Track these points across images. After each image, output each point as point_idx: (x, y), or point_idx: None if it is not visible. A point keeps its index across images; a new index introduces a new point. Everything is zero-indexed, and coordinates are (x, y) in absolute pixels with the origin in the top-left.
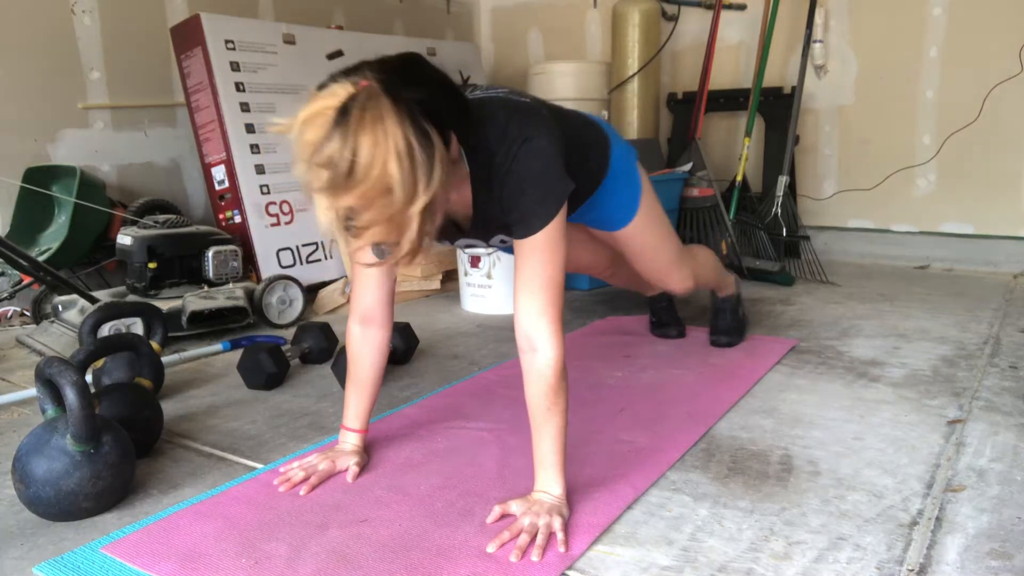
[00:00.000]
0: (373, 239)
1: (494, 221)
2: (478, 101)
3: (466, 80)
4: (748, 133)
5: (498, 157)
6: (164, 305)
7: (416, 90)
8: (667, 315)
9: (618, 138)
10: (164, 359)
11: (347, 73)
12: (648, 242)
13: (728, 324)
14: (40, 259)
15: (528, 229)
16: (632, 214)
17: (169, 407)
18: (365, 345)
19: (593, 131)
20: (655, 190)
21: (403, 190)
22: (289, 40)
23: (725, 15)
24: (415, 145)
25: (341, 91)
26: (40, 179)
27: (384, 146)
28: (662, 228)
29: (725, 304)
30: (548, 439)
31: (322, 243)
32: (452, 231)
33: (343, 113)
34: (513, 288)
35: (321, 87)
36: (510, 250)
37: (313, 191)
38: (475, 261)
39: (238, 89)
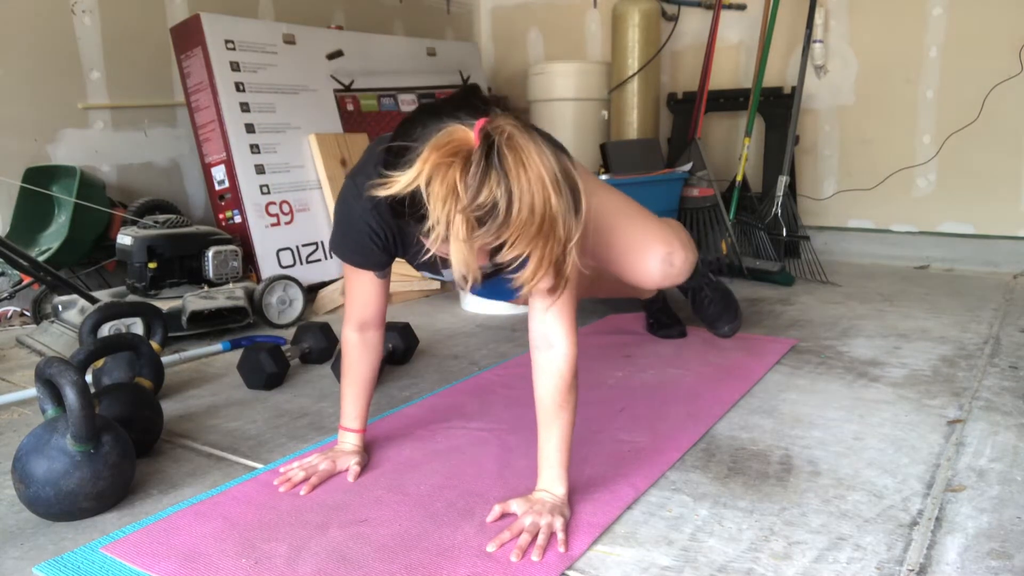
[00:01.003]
0: (540, 276)
1: None
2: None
3: (466, 80)
4: (748, 133)
5: None
6: (164, 305)
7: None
8: (665, 315)
9: None
10: (164, 359)
11: (439, 116)
12: (606, 221)
13: (714, 306)
14: (40, 259)
15: None
16: None
17: (169, 407)
18: (362, 348)
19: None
20: (653, 192)
21: (565, 221)
22: (289, 40)
23: (725, 15)
24: (560, 174)
25: (463, 134)
26: (40, 179)
27: (540, 181)
28: (620, 205)
29: (691, 283)
30: (555, 438)
31: (322, 243)
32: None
33: (488, 153)
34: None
35: (426, 135)
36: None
37: (468, 240)
38: None
39: (238, 89)
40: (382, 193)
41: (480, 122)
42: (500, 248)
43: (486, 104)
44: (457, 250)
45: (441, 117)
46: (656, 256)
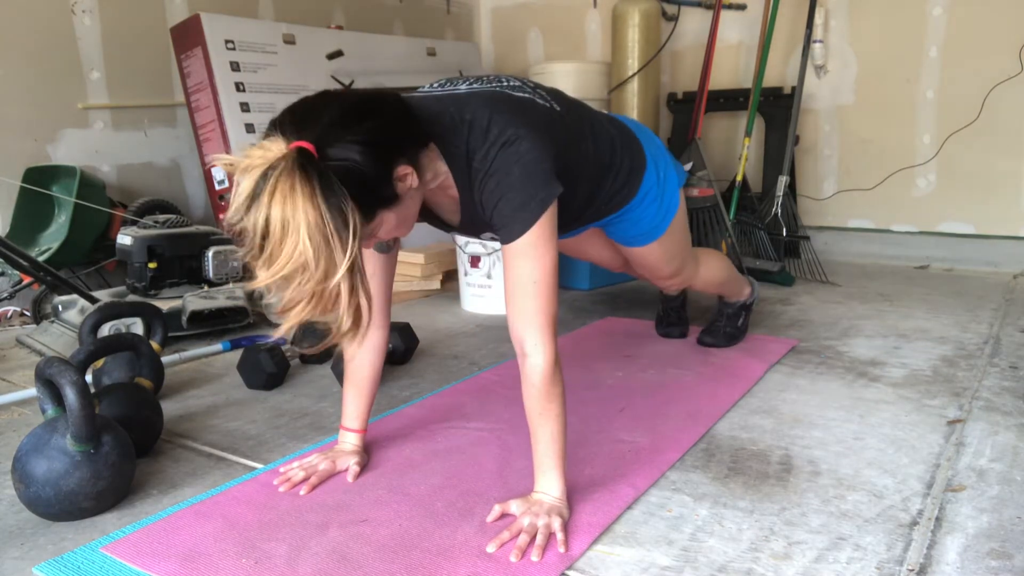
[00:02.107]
0: (300, 317)
1: (479, 220)
2: (462, 98)
3: None
4: (748, 133)
5: (476, 161)
6: (164, 305)
7: (345, 146)
8: (676, 315)
9: (663, 162)
10: (164, 359)
11: (294, 123)
12: (657, 257)
13: (719, 327)
14: (40, 259)
15: (510, 234)
16: (651, 239)
17: (169, 407)
18: (363, 347)
19: (625, 154)
20: None
21: (318, 267)
22: (289, 40)
23: (725, 15)
24: (321, 225)
25: (274, 149)
26: (40, 179)
27: (293, 223)
28: (676, 247)
29: (725, 308)
30: (544, 442)
31: None
32: (442, 225)
33: (262, 179)
34: (504, 292)
35: (267, 134)
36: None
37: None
38: (475, 261)
39: (238, 89)
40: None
41: (291, 145)
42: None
43: (344, 117)
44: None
45: (290, 128)
46: (666, 284)
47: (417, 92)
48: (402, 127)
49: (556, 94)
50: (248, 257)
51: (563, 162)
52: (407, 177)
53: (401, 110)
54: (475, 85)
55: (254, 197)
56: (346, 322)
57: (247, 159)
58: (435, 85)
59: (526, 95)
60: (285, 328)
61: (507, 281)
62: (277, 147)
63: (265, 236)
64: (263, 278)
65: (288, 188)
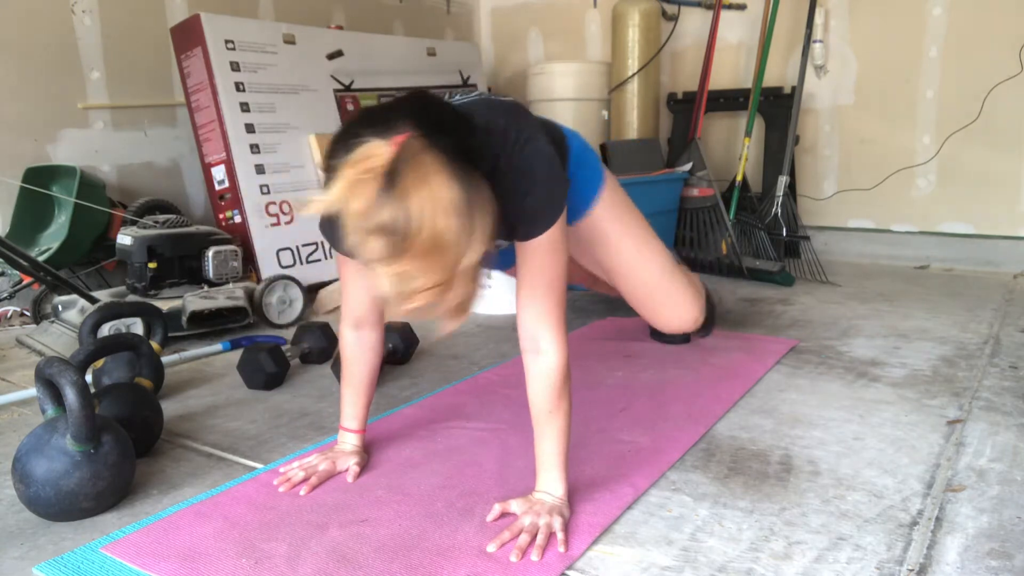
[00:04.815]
0: (428, 300)
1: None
2: (465, 106)
3: (465, 81)
4: (748, 133)
5: (502, 161)
6: (164, 305)
7: (447, 134)
8: None
9: (572, 132)
10: (164, 359)
11: (373, 126)
12: (622, 241)
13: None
14: (40, 259)
15: (531, 231)
16: (594, 192)
17: (169, 407)
18: (359, 348)
19: (555, 127)
20: (653, 192)
21: (458, 246)
22: (289, 40)
23: (725, 15)
24: (463, 197)
25: (378, 151)
26: (40, 179)
27: (436, 204)
28: (638, 229)
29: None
30: (550, 440)
31: (322, 243)
32: None
33: (390, 176)
34: (516, 290)
35: (348, 148)
36: (501, 264)
37: (371, 262)
38: None
39: (238, 89)
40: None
41: (397, 139)
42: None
43: (426, 111)
44: (371, 269)
45: (361, 132)
46: (684, 320)
47: None
48: (463, 117)
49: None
50: (387, 251)
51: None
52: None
53: (451, 109)
54: (462, 98)
55: (387, 190)
56: (455, 302)
57: (351, 169)
58: None
59: (509, 98)
60: (414, 308)
61: (524, 278)
62: (382, 146)
63: (407, 226)
64: (406, 264)
65: (421, 174)
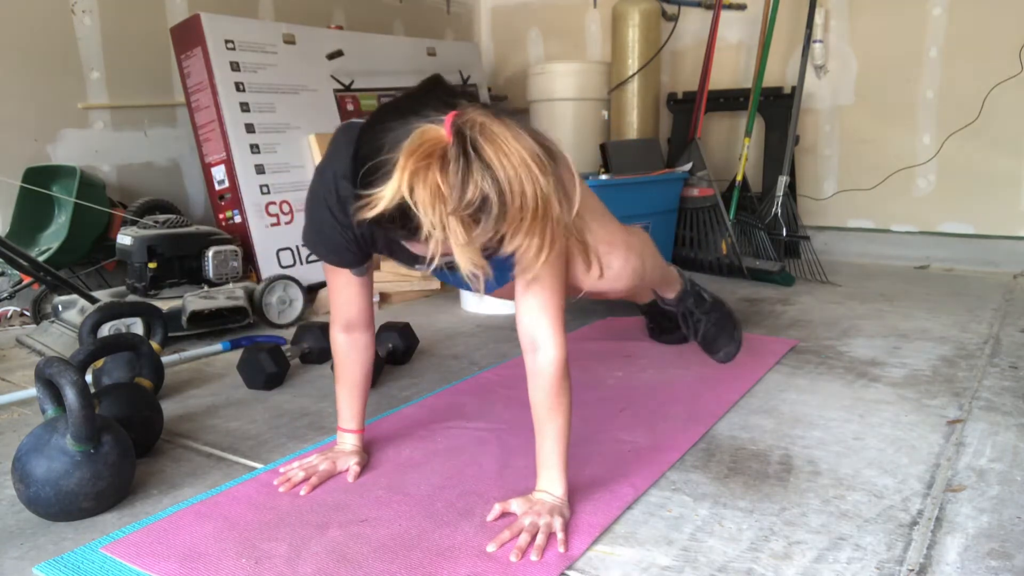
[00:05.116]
0: (544, 257)
1: None
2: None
3: (466, 80)
4: (748, 133)
5: None
6: (164, 305)
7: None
8: (667, 320)
9: None
10: (164, 359)
11: (405, 115)
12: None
13: (710, 327)
14: (40, 259)
15: None
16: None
17: (169, 407)
18: (351, 350)
19: None
20: (653, 192)
21: (557, 198)
22: (289, 40)
23: (725, 15)
24: (542, 151)
25: (435, 133)
26: (40, 179)
27: (522, 164)
28: (594, 204)
29: (682, 305)
30: (550, 439)
31: None
32: (408, 259)
33: (464, 148)
34: (515, 289)
35: (388, 142)
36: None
37: (469, 242)
38: None
39: (238, 89)
40: (369, 215)
41: (449, 116)
42: (500, 243)
43: (451, 95)
44: (461, 254)
45: (407, 117)
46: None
47: None
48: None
49: None
50: (488, 225)
51: None
52: None
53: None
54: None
55: (467, 170)
56: (552, 251)
57: (411, 159)
58: None
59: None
60: (533, 274)
61: (521, 276)
62: (435, 129)
63: (501, 193)
64: (514, 232)
65: (495, 141)
